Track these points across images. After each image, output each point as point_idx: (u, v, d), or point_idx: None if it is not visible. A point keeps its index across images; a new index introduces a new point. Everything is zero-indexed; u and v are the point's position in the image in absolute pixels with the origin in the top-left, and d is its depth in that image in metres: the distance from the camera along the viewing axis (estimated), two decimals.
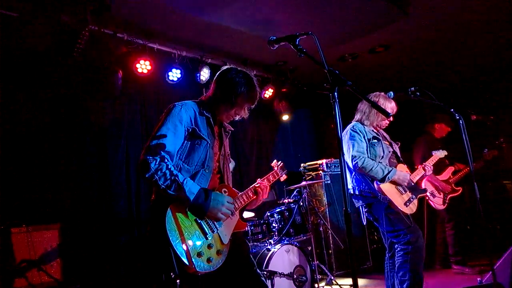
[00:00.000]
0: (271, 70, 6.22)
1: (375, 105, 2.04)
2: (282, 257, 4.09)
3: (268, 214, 4.59)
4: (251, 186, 2.57)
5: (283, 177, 2.83)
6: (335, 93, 1.87)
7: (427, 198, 4.66)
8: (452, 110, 3.37)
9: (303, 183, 4.88)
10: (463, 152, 3.25)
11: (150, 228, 2.25)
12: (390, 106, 3.51)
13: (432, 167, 3.68)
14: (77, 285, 3.86)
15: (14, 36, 4.01)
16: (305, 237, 4.67)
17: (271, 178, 2.72)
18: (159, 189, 2.12)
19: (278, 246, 4.09)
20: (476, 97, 7.22)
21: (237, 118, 2.52)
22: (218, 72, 2.52)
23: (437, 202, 4.75)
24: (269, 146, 6.76)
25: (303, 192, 4.93)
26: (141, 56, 4.72)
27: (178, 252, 2.03)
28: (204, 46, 5.29)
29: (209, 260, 2.14)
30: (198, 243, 2.14)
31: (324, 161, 5.98)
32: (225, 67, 2.54)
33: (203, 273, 2.12)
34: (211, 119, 2.40)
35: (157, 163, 2.13)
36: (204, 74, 5.27)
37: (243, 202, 2.47)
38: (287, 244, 4.19)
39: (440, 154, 3.89)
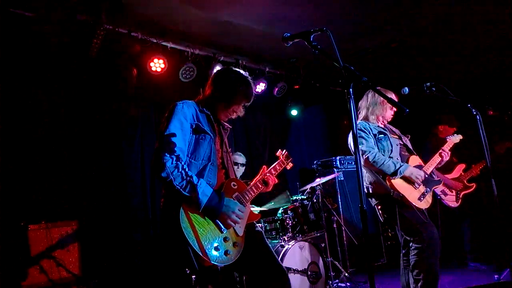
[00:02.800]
0: (283, 67, 6.21)
1: (390, 100, 2.02)
2: (296, 253, 4.10)
3: (282, 211, 4.60)
4: (259, 177, 2.64)
5: (289, 166, 2.87)
6: (350, 89, 1.86)
7: (439, 197, 4.62)
8: (469, 105, 3.33)
9: (317, 180, 4.88)
10: (472, 148, 3.19)
11: (164, 227, 2.30)
12: (393, 97, 3.47)
13: (449, 152, 3.60)
14: (95, 280, 3.93)
15: (30, 35, 4.08)
16: (318, 234, 4.67)
17: (277, 167, 2.77)
18: (173, 189, 2.14)
19: (292, 242, 4.10)
20: (493, 92, 7.09)
21: (234, 116, 2.58)
22: (214, 72, 2.66)
23: (449, 200, 4.69)
24: (282, 143, 6.76)
25: (317, 189, 4.92)
26: (155, 55, 4.76)
27: (196, 249, 2.06)
28: (216, 44, 5.31)
29: (226, 252, 2.19)
30: (214, 237, 2.18)
31: (337, 157, 5.96)
32: (221, 68, 2.62)
33: (222, 266, 2.17)
34: (211, 116, 2.48)
35: (173, 162, 2.16)
36: None
37: (253, 194, 2.52)
38: (301, 240, 4.20)
39: (455, 138, 3.78)
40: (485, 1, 4.61)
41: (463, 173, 4.97)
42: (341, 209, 5.68)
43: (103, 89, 4.72)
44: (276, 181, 2.71)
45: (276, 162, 2.80)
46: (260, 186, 2.58)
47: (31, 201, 3.97)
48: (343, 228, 5.48)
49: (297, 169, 6.66)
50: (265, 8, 4.45)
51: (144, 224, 4.83)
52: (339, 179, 5.81)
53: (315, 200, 4.79)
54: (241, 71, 2.58)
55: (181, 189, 2.13)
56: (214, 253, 2.13)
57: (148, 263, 4.66)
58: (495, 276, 4.28)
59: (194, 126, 2.35)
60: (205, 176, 2.29)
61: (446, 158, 3.57)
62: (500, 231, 4.99)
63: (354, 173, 5.93)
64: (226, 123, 2.64)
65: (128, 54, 4.63)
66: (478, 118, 3.29)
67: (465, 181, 4.88)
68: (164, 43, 4.87)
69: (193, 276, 4.32)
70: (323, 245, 4.77)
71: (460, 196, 4.78)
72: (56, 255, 3.73)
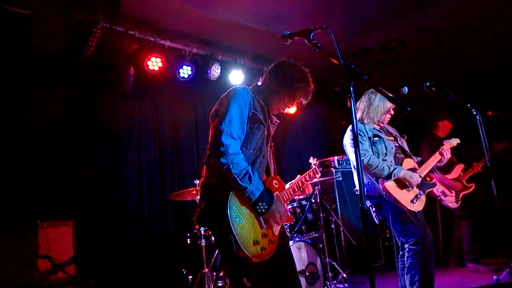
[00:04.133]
0: None
1: (391, 99, 1.99)
2: (294, 254, 4.04)
3: None
4: (294, 182, 2.66)
5: (318, 175, 2.88)
6: (351, 88, 1.83)
7: (439, 198, 4.58)
8: (469, 105, 3.31)
9: (315, 180, 4.83)
10: (471, 149, 3.16)
11: (208, 213, 2.20)
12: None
13: (450, 150, 3.54)
14: (91, 280, 3.89)
15: (26, 34, 4.04)
16: (316, 234, 4.64)
17: (311, 174, 2.74)
18: (228, 176, 2.07)
19: (290, 243, 4.06)
20: (492, 93, 7.08)
21: (285, 111, 2.52)
22: (275, 63, 2.52)
23: (450, 201, 4.66)
24: (280, 143, 6.72)
25: (315, 189, 4.89)
26: (152, 53, 4.73)
27: (237, 239, 2.03)
28: (214, 42, 5.28)
29: (263, 249, 2.16)
30: (255, 231, 2.16)
31: (335, 158, 5.92)
32: (282, 59, 2.52)
33: (257, 261, 2.12)
34: (265, 108, 2.39)
35: (234, 149, 2.10)
36: (215, 70, 5.25)
37: (289, 196, 2.50)
38: (298, 241, 4.17)
39: (452, 142, 3.69)
40: (485, 1, 4.60)
41: (462, 173, 4.95)
42: (339, 210, 5.65)
43: (100, 88, 4.68)
44: (311, 190, 2.70)
45: (310, 170, 2.78)
46: (296, 189, 2.60)
47: (27, 200, 3.92)
48: (341, 229, 5.45)
49: (295, 168, 6.62)
50: (264, 6, 4.43)
51: (140, 223, 4.79)
52: (337, 179, 5.78)
53: (313, 200, 4.76)
54: (303, 67, 2.48)
55: (237, 178, 2.06)
56: (253, 247, 2.10)
57: (144, 262, 4.63)
58: (494, 277, 4.25)
59: (250, 114, 2.26)
60: (256, 168, 2.24)
61: (448, 156, 3.52)
62: (499, 232, 4.99)
63: (353, 174, 5.91)
64: (274, 117, 2.55)
65: (125, 53, 4.60)
66: (478, 118, 3.27)
67: (464, 181, 4.86)
68: (161, 42, 4.83)
69: (189, 277, 4.30)
70: (321, 246, 4.74)
71: (460, 197, 4.76)
72: (52, 255, 3.68)
